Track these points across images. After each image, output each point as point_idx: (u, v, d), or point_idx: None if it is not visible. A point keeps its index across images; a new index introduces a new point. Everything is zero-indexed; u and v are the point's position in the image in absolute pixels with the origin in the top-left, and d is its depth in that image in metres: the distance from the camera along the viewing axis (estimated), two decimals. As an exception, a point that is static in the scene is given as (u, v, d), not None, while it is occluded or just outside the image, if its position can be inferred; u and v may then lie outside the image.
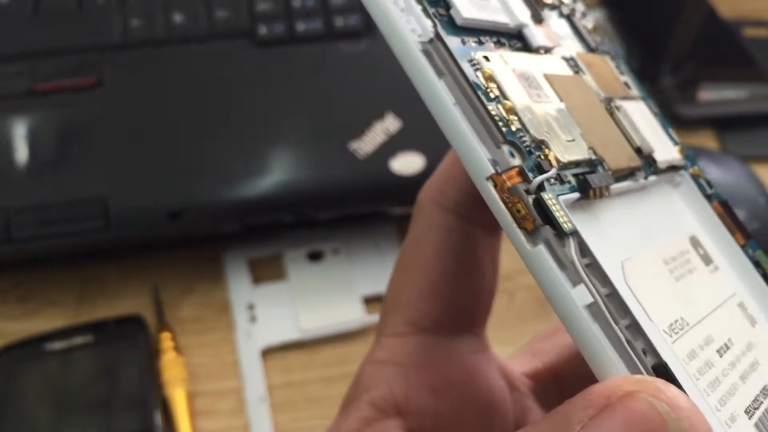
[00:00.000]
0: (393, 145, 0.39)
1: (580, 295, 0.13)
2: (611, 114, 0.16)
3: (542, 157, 0.14)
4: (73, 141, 0.39)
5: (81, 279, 0.39)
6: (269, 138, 0.40)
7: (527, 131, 0.14)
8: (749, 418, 0.14)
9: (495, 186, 0.14)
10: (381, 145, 0.39)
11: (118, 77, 0.41)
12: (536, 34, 0.16)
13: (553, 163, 0.14)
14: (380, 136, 0.40)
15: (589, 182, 0.14)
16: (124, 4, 0.44)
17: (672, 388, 0.13)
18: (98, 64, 0.41)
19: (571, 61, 0.17)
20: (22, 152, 0.38)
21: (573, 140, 0.15)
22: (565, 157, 0.15)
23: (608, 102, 0.17)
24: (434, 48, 0.14)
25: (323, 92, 0.42)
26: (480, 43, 0.15)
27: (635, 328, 0.13)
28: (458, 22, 0.15)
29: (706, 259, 0.16)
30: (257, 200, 0.38)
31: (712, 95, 0.48)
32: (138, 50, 0.42)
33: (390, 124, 0.40)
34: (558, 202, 0.14)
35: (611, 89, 0.17)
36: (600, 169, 0.15)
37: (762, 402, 0.15)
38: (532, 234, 0.13)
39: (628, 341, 0.13)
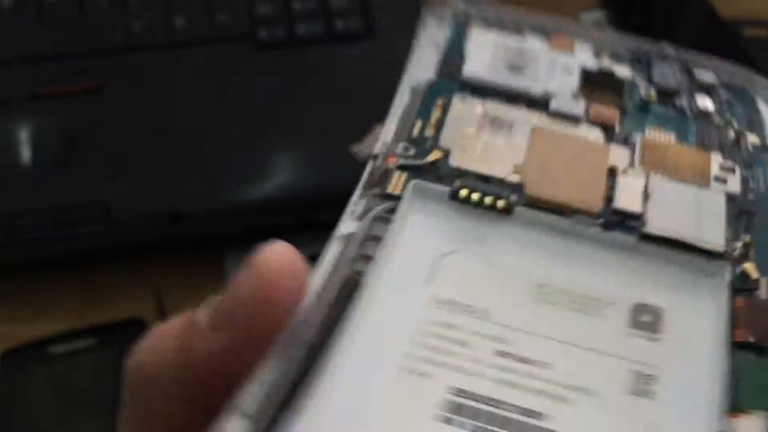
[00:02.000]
0: (393, 148, 0.39)
1: None
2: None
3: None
4: (75, 145, 0.39)
5: (84, 282, 0.40)
6: (270, 141, 0.40)
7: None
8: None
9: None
10: (381, 148, 0.39)
11: (120, 81, 0.41)
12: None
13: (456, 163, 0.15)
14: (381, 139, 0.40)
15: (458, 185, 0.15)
16: (125, 9, 0.44)
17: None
18: (100, 68, 0.42)
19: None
20: (25, 156, 0.39)
21: (495, 156, 0.15)
22: (466, 164, 0.15)
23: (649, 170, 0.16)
24: None
25: (324, 95, 0.42)
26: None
27: None
28: None
29: None
30: (258, 203, 0.38)
31: (713, 95, 0.49)
32: (139, 54, 0.43)
33: (390, 126, 0.40)
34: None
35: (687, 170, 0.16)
36: (507, 189, 0.15)
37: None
38: None
39: None
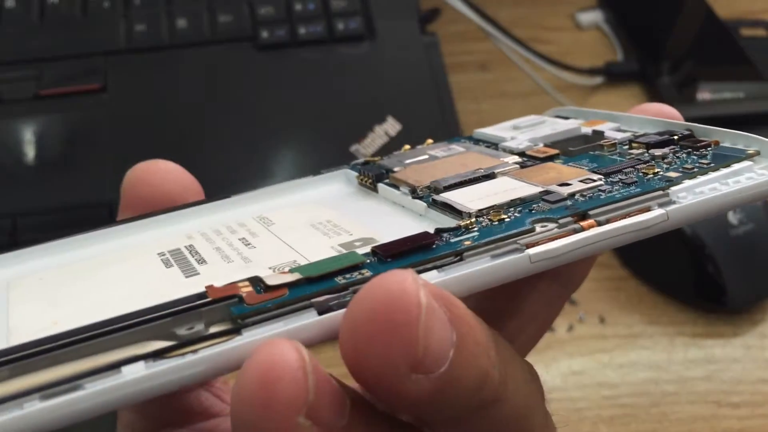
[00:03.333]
0: (393, 148, 0.40)
1: None
2: None
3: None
4: (78, 145, 0.39)
5: (87, 281, 0.40)
6: (271, 140, 0.40)
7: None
8: None
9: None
10: (381, 148, 0.40)
11: (122, 82, 0.42)
12: None
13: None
14: (381, 139, 0.40)
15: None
16: (128, 10, 0.45)
17: None
18: (103, 69, 0.42)
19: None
20: (28, 156, 0.39)
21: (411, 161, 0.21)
22: (385, 164, 0.22)
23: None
24: None
25: (325, 95, 0.42)
26: None
27: None
28: None
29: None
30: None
31: (710, 95, 0.49)
32: (142, 55, 0.43)
33: (390, 126, 0.41)
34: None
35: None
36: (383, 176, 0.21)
37: None
38: None
39: None
